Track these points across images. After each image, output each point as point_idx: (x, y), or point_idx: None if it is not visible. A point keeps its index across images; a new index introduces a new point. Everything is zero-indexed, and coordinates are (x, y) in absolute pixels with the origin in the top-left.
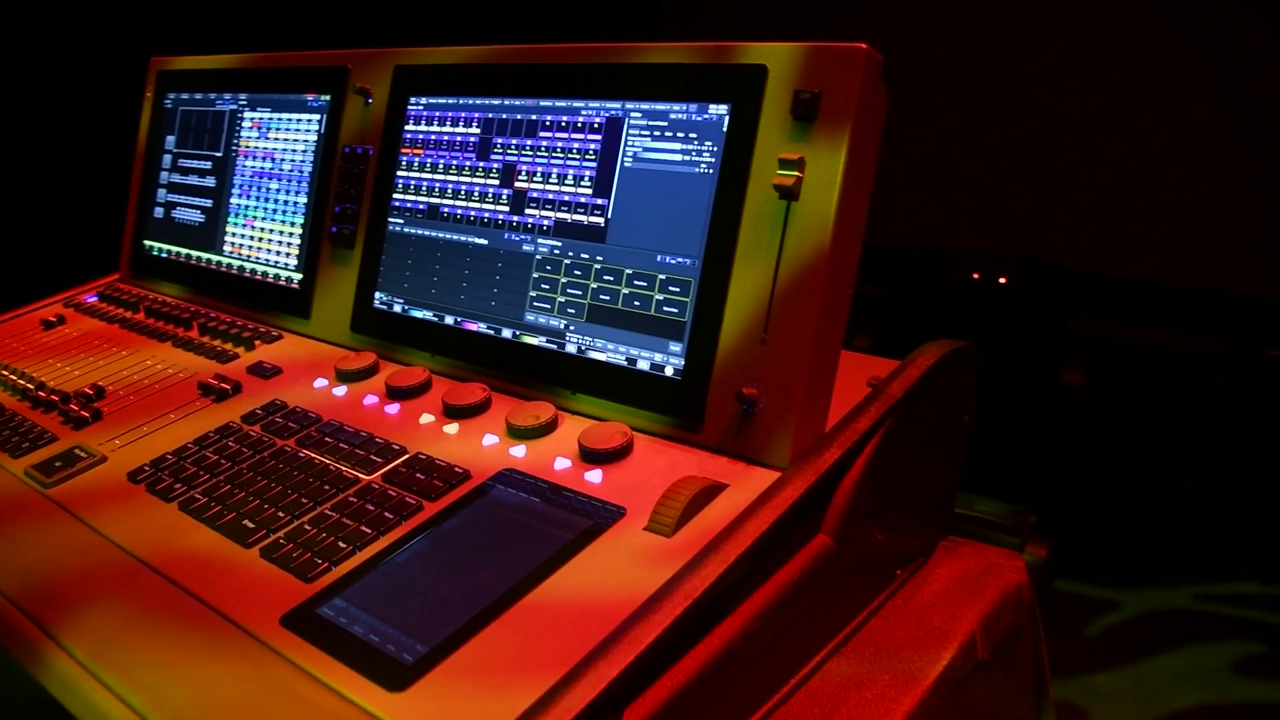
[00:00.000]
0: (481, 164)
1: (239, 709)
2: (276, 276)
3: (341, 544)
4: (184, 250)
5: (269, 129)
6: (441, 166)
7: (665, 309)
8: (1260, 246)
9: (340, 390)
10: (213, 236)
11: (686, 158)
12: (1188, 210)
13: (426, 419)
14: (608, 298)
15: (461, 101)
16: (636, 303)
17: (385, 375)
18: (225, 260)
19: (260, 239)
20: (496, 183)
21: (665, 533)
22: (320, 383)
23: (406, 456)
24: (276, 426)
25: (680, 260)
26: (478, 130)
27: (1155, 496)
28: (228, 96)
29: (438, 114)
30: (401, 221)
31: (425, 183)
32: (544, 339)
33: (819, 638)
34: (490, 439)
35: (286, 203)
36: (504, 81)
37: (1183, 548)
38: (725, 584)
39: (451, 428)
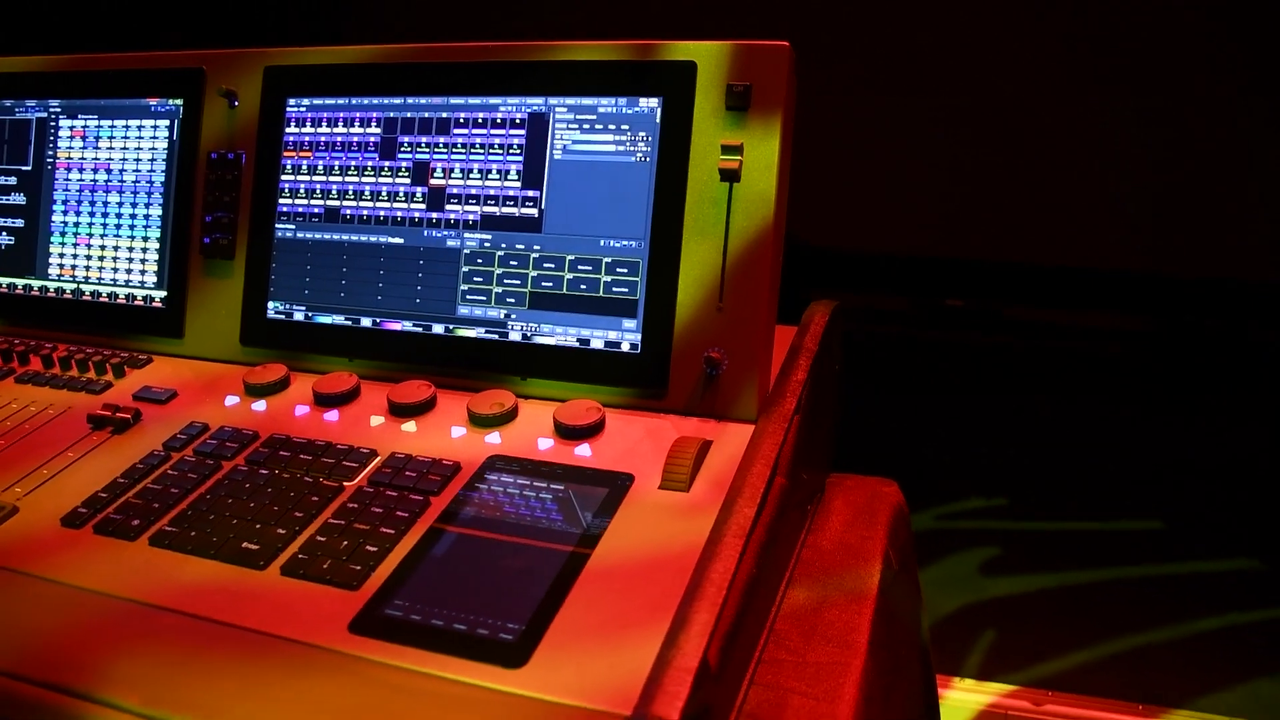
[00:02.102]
0: (387, 163)
1: (367, 717)
2: (130, 297)
3: (370, 547)
4: None
5: (99, 138)
6: (338, 168)
7: (615, 289)
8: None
9: (259, 405)
10: (29, 260)
11: (621, 148)
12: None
13: (377, 420)
14: (550, 284)
15: (355, 102)
16: (583, 286)
17: (303, 385)
18: (53, 285)
19: (101, 258)
20: (408, 181)
21: (682, 488)
22: (231, 400)
23: (382, 458)
24: (212, 448)
25: (626, 243)
26: (379, 130)
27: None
28: (32, 104)
29: (326, 115)
30: (293, 227)
31: (319, 185)
32: (483, 330)
33: (778, 570)
34: (458, 430)
35: (134, 216)
36: (407, 80)
37: (922, 480)
38: (756, 524)
39: (409, 426)
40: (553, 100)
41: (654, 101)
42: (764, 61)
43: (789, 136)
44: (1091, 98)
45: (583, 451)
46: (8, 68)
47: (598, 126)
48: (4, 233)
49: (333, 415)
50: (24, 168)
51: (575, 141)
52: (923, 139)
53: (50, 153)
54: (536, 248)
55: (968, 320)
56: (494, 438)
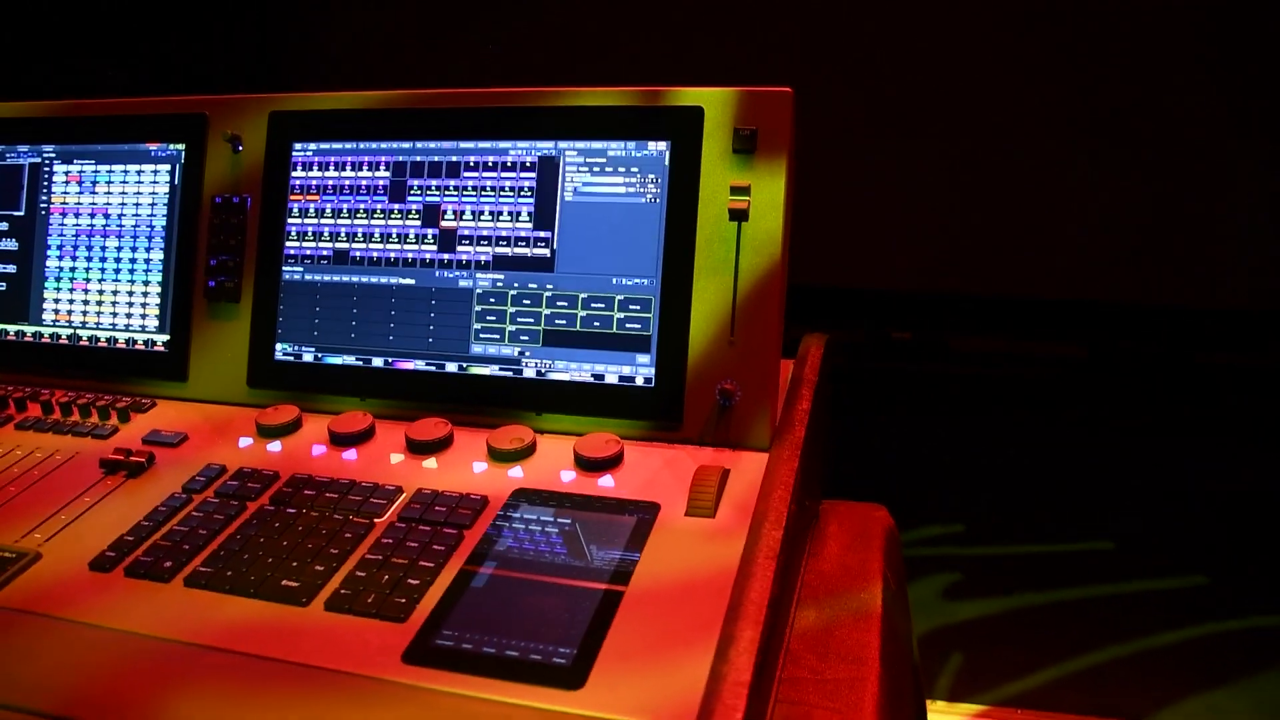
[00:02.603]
0: (397, 206)
1: None
2: (131, 341)
3: (411, 580)
4: None
5: (96, 182)
6: (346, 211)
7: (627, 325)
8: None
9: (275, 446)
10: (21, 306)
11: (631, 189)
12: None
13: (397, 458)
14: (564, 321)
15: (364, 146)
16: (596, 323)
17: (316, 425)
18: (48, 331)
19: (100, 303)
20: (418, 223)
21: (708, 514)
22: (245, 441)
23: (409, 494)
24: (234, 489)
25: (638, 281)
26: (388, 173)
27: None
28: (24, 149)
29: (333, 159)
30: (301, 269)
31: (327, 228)
32: (497, 368)
33: (789, 592)
34: (479, 466)
35: (134, 261)
36: (417, 125)
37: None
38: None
39: (430, 463)
40: (562, 144)
41: (662, 145)
42: (768, 107)
43: (793, 177)
44: (1038, 138)
45: (606, 483)
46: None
47: (608, 169)
48: None
49: (351, 454)
50: (16, 213)
51: (586, 184)
52: (868, 178)
53: (44, 198)
54: (549, 286)
55: (915, 351)
56: (516, 472)
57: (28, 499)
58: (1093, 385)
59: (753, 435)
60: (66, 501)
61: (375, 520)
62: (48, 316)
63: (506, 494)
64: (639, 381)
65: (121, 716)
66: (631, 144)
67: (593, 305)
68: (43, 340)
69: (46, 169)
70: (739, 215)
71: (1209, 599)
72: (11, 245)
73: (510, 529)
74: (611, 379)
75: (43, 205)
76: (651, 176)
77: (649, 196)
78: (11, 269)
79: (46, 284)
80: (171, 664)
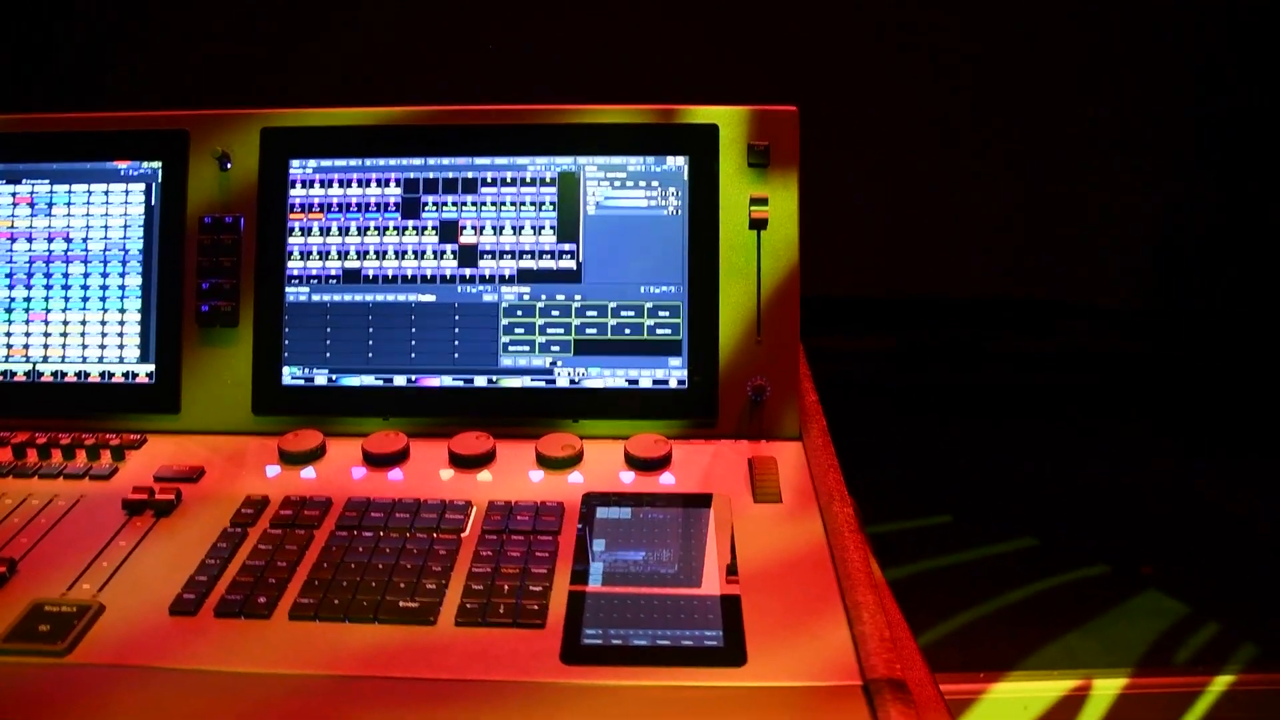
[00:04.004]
0: (411, 223)
1: None
2: (108, 374)
3: (533, 587)
4: None
5: (53, 204)
6: (354, 229)
7: (658, 331)
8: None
9: (308, 473)
10: None
11: (653, 202)
12: None
13: (446, 474)
14: (594, 330)
15: (369, 163)
16: (627, 330)
17: (341, 449)
18: (0, 368)
19: (65, 334)
20: (435, 239)
21: (776, 500)
22: (273, 470)
23: (480, 508)
24: (289, 519)
25: (666, 289)
26: (399, 190)
27: None
28: None
29: (337, 176)
30: (307, 290)
31: (334, 247)
32: (529, 379)
33: None
34: (536, 475)
35: (105, 287)
36: (430, 142)
37: None
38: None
39: (484, 476)
40: (582, 159)
41: (681, 160)
42: (776, 123)
43: (799, 188)
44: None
45: (666, 480)
46: None
47: (628, 183)
48: None
49: (396, 474)
50: None
51: (608, 197)
52: None
53: None
54: (578, 297)
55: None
56: (575, 477)
57: (52, 550)
58: (903, 374)
59: (784, 426)
60: (100, 548)
61: (460, 535)
62: (2, 351)
63: (577, 499)
64: (673, 384)
65: None
66: (650, 159)
67: (622, 313)
68: None
69: None
70: (759, 224)
71: (1043, 557)
72: None
73: (601, 529)
74: (645, 382)
75: None
76: (672, 190)
77: (671, 209)
78: None
79: None
80: (330, 698)
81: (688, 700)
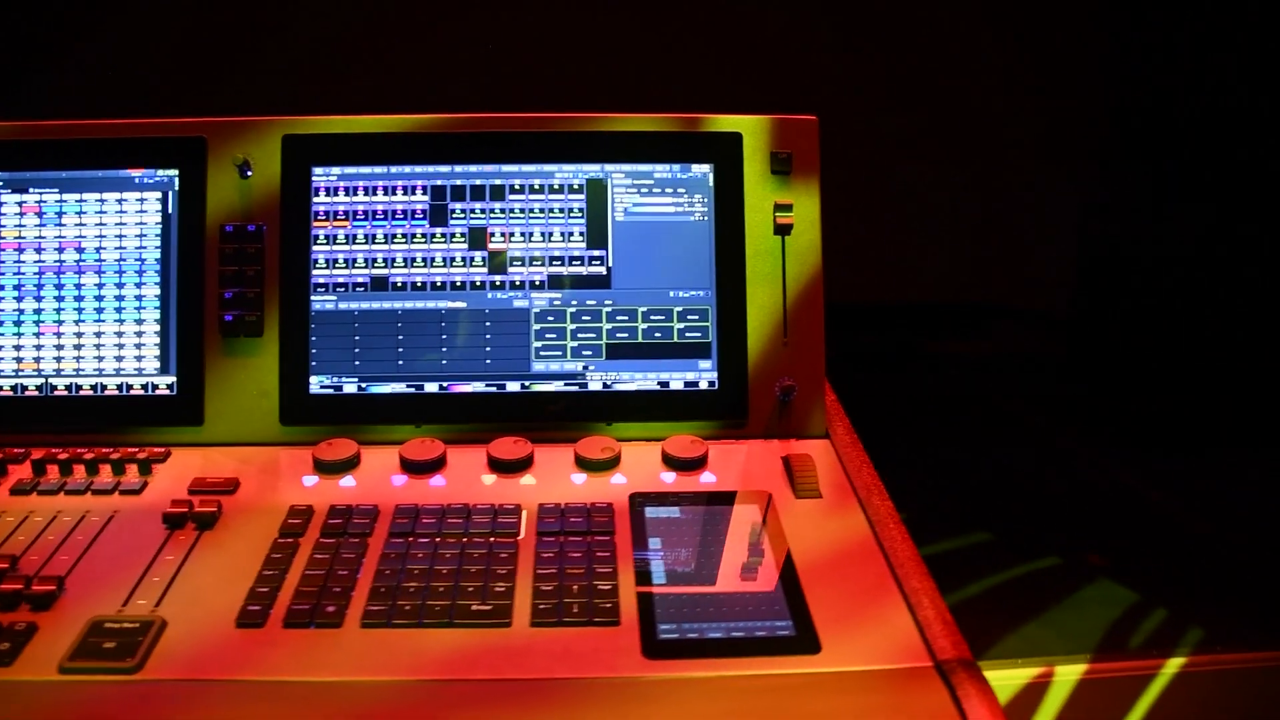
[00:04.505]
0: (439, 230)
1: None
2: (125, 386)
3: (602, 586)
4: None
5: (62, 213)
6: (381, 236)
7: (688, 334)
8: None
9: (347, 481)
10: None
11: (679, 209)
12: None
13: (488, 479)
14: (625, 334)
15: (395, 170)
16: (657, 334)
17: (376, 457)
18: (8, 382)
19: (79, 346)
20: (465, 246)
21: (816, 495)
22: (310, 480)
23: (531, 511)
24: (339, 528)
25: (694, 293)
26: (425, 198)
27: None
28: None
29: (362, 184)
30: (333, 298)
31: (360, 255)
32: (562, 383)
33: None
34: (578, 477)
35: (121, 298)
36: (457, 149)
37: None
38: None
39: (527, 480)
40: (609, 167)
41: (706, 167)
42: (798, 132)
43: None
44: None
45: (707, 479)
46: None
47: (655, 190)
48: None
49: (438, 480)
50: None
51: (636, 204)
52: None
53: None
54: (608, 302)
55: None
56: (618, 479)
57: (97, 566)
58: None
59: (811, 424)
60: (147, 562)
61: (516, 538)
62: (6, 366)
63: (622, 499)
64: (703, 385)
65: None
66: (676, 167)
67: (652, 318)
68: (1, 393)
69: None
70: (783, 230)
71: (995, 552)
72: None
73: (655, 528)
74: (677, 385)
75: None
76: (699, 197)
77: (698, 215)
78: None
79: (1, 330)
80: (414, 702)
81: (771, 688)
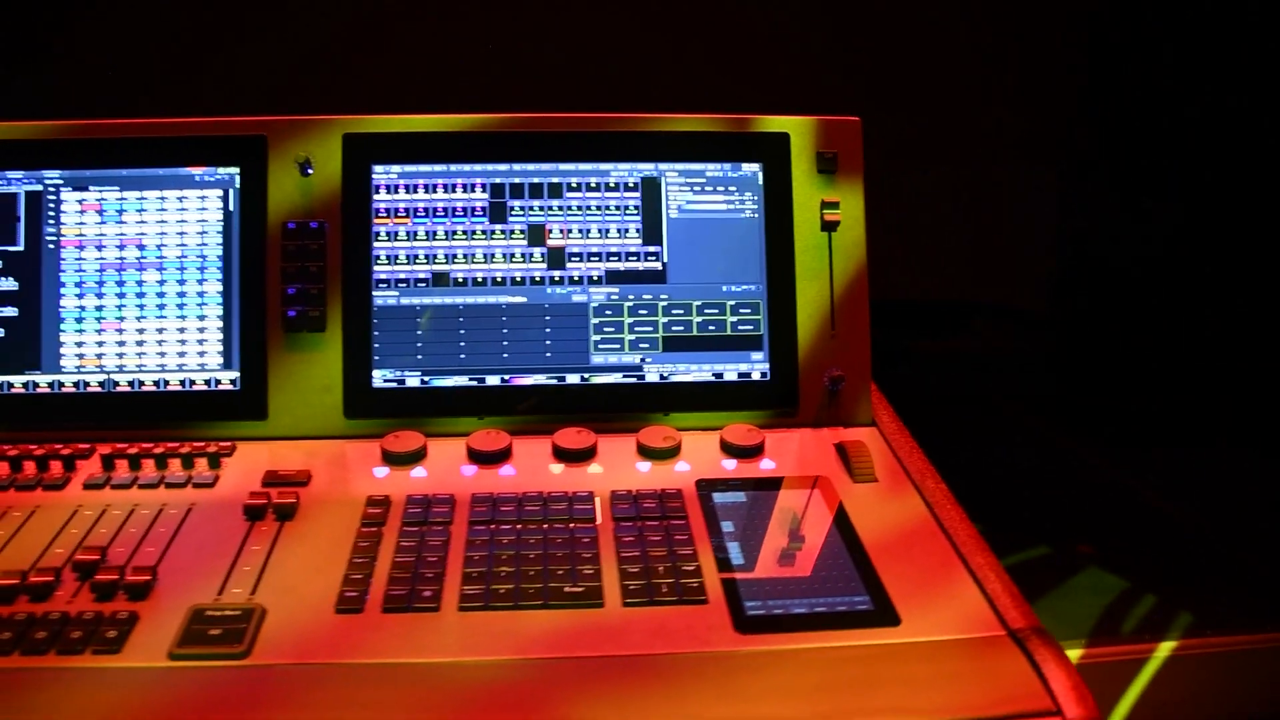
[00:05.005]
0: (499, 226)
1: (824, 692)
2: (188, 382)
3: (685, 567)
4: None
5: (123, 211)
6: (442, 233)
7: (740, 328)
8: None
9: (419, 472)
10: (30, 353)
11: (730, 206)
12: None
13: (556, 468)
14: (681, 328)
15: (454, 168)
16: (711, 327)
17: (442, 449)
18: (71, 379)
19: (142, 343)
20: (524, 243)
21: (873, 479)
22: (380, 471)
23: (604, 497)
24: (419, 516)
25: (746, 288)
26: (485, 195)
27: None
28: (17, 175)
29: (422, 181)
30: (395, 294)
31: (421, 251)
32: (620, 375)
33: None
34: (643, 465)
35: (183, 294)
36: (516, 148)
37: None
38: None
39: (594, 468)
40: (662, 166)
41: (755, 166)
42: (842, 132)
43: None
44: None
45: (767, 465)
46: None
47: (707, 189)
48: None
49: (508, 470)
50: (13, 248)
51: (689, 202)
52: None
53: (51, 229)
54: (664, 297)
55: None
56: (682, 466)
57: (184, 557)
58: None
59: (858, 413)
60: (234, 552)
61: (595, 523)
62: (68, 363)
63: (690, 485)
64: (755, 376)
65: None
66: (727, 165)
67: (706, 311)
68: (64, 390)
69: (51, 197)
70: (830, 226)
71: (989, 541)
72: (9, 285)
73: (726, 511)
74: (730, 376)
75: (49, 238)
76: (749, 195)
77: (748, 212)
78: (11, 312)
79: (63, 326)
80: (519, 680)
81: (859, 658)
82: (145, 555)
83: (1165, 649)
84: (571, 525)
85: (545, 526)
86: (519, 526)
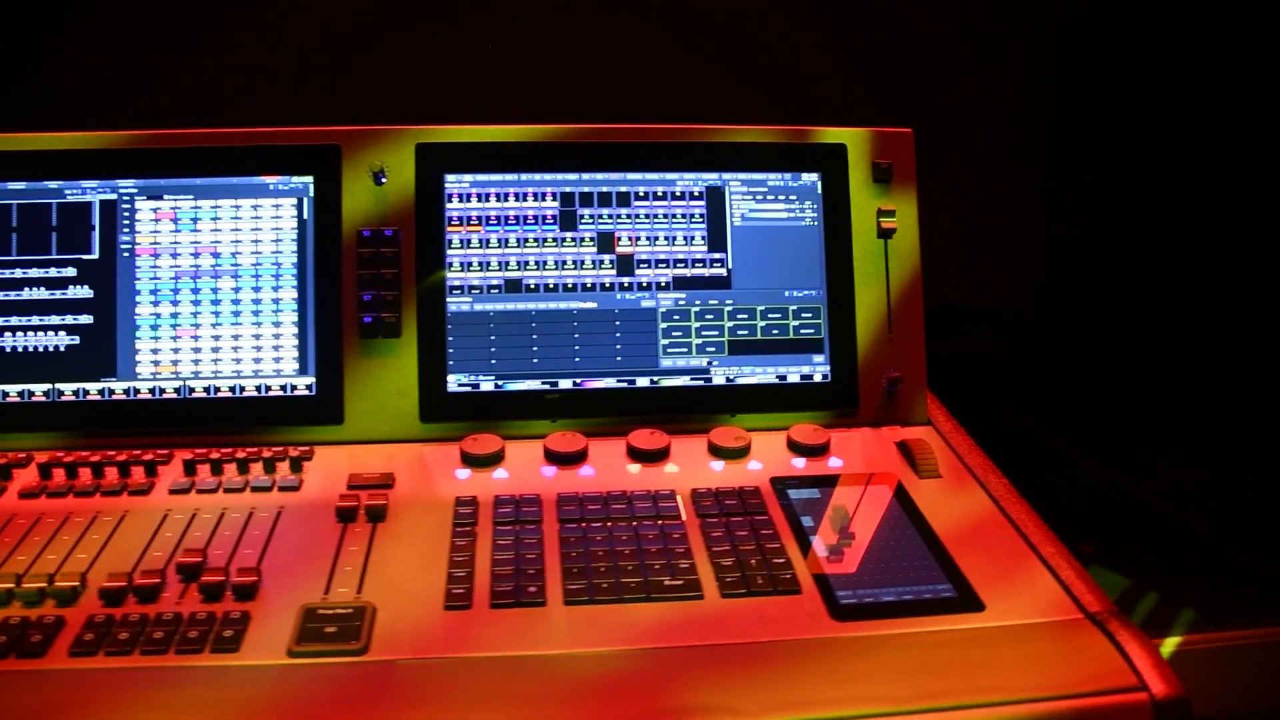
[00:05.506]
0: (569, 234)
1: (923, 674)
2: (264, 387)
3: (776, 560)
4: (38, 387)
5: (197, 220)
6: (514, 240)
7: (802, 331)
8: None
9: (500, 474)
10: (105, 360)
11: (791, 214)
12: None
13: (633, 468)
14: (745, 332)
15: (525, 178)
16: (774, 331)
17: (519, 450)
18: (146, 385)
19: (218, 349)
20: (594, 250)
21: (937, 475)
22: (462, 473)
23: (685, 495)
24: (510, 515)
25: (807, 292)
26: (555, 204)
27: None
28: (91, 184)
29: (494, 190)
30: (469, 300)
31: (494, 258)
32: (688, 378)
33: None
34: (716, 465)
35: (258, 301)
36: (585, 158)
37: None
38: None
39: (670, 468)
40: (726, 175)
41: (814, 176)
42: (895, 144)
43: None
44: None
45: (834, 463)
46: (48, 144)
47: (769, 197)
48: (63, 332)
49: (587, 470)
50: (86, 256)
51: (752, 210)
52: None
53: (126, 238)
54: (729, 302)
55: None
56: (754, 465)
57: (282, 558)
58: None
59: (915, 413)
60: (332, 554)
61: (680, 520)
62: (143, 370)
63: (765, 482)
64: (817, 378)
65: (674, 718)
66: (787, 175)
67: (770, 315)
68: (140, 396)
69: (125, 206)
70: (887, 234)
71: None
72: (84, 293)
73: (803, 507)
74: (793, 378)
75: (124, 246)
76: (809, 203)
77: (808, 220)
78: (87, 320)
79: (138, 334)
80: (634, 668)
81: (951, 641)
82: (244, 557)
83: (1170, 644)
84: (660, 522)
85: (634, 524)
86: (609, 524)
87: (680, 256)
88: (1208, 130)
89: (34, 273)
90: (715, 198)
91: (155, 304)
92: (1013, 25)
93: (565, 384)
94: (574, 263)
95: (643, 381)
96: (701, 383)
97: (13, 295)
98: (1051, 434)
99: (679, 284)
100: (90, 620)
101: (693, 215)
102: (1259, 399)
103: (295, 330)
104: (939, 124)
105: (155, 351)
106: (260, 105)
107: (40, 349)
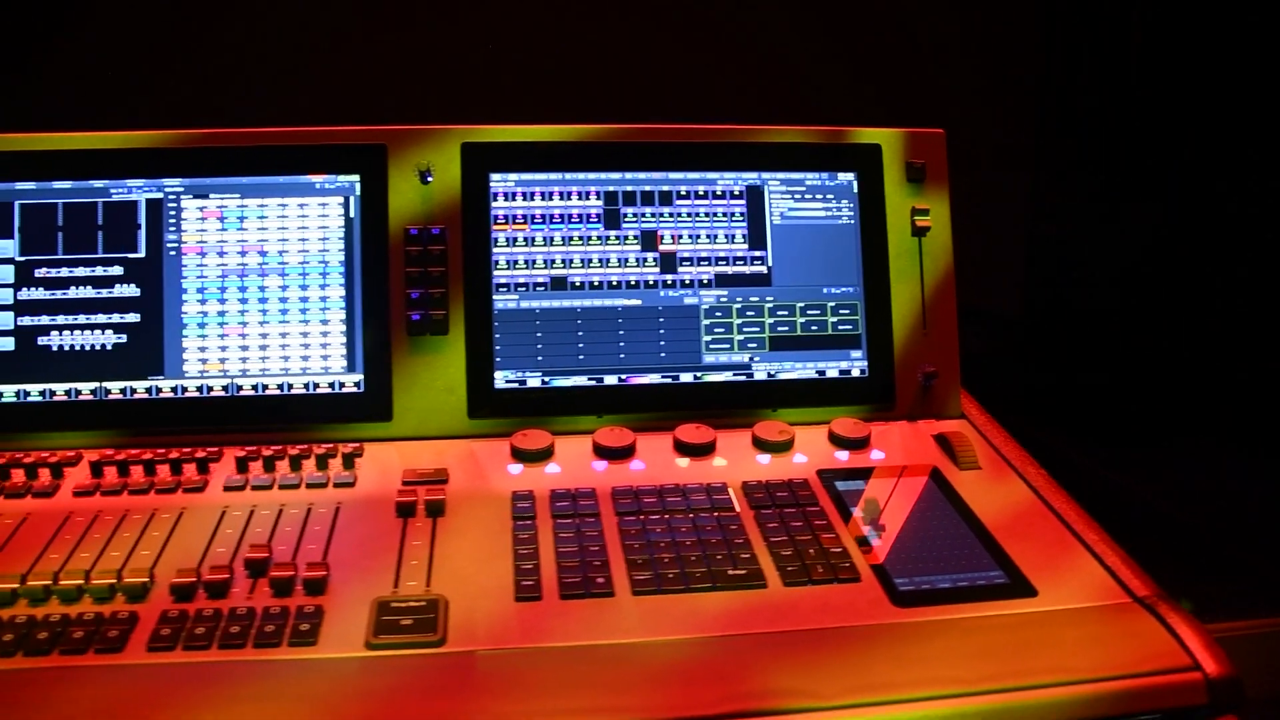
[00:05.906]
0: (613, 232)
1: (985, 657)
2: (312, 385)
3: (833, 549)
4: (85, 386)
5: (244, 218)
6: (559, 239)
7: (840, 327)
8: None
9: (552, 469)
10: (152, 358)
11: (829, 213)
12: None
13: (681, 462)
14: (785, 328)
15: (570, 177)
16: (814, 327)
17: (568, 445)
18: (194, 383)
19: (266, 347)
20: (638, 248)
21: (977, 467)
22: (515, 469)
23: (736, 488)
24: (567, 509)
25: (845, 290)
26: (599, 203)
27: None
28: (138, 183)
29: (539, 189)
30: (515, 297)
31: (540, 256)
32: (731, 374)
33: None
34: (762, 458)
35: (306, 299)
36: (629, 157)
37: None
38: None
39: (718, 461)
40: (765, 175)
41: (850, 175)
42: (928, 144)
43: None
44: None
45: (876, 455)
46: (94, 144)
47: (807, 196)
48: (110, 330)
49: (637, 465)
50: (133, 255)
51: (791, 209)
52: None
53: (172, 237)
54: (770, 299)
55: None
56: (799, 458)
57: (348, 553)
58: None
59: (949, 407)
60: (397, 547)
61: (735, 512)
62: (190, 368)
63: (812, 475)
64: (855, 373)
65: (743, 703)
66: (824, 175)
67: (809, 312)
68: (187, 394)
69: (171, 205)
70: (920, 232)
71: None
72: (131, 291)
73: (851, 498)
74: (832, 373)
75: (170, 245)
76: (845, 202)
77: (845, 218)
78: (134, 318)
79: (185, 332)
80: (705, 655)
81: (1008, 626)
82: (309, 552)
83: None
84: (716, 514)
85: (691, 516)
86: (666, 516)
87: (721, 254)
88: (1195, 130)
89: (80, 271)
90: (755, 197)
91: (202, 302)
92: (1000, 25)
93: (611, 380)
94: (618, 260)
95: (686, 377)
96: (744, 378)
97: (59, 294)
98: (1040, 432)
99: (720, 281)
100: (164, 615)
101: (733, 214)
102: (1246, 397)
103: (343, 328)
104: (926, 123)
105: (202, 350)
106: (307, 104)
107: (87, 348)
